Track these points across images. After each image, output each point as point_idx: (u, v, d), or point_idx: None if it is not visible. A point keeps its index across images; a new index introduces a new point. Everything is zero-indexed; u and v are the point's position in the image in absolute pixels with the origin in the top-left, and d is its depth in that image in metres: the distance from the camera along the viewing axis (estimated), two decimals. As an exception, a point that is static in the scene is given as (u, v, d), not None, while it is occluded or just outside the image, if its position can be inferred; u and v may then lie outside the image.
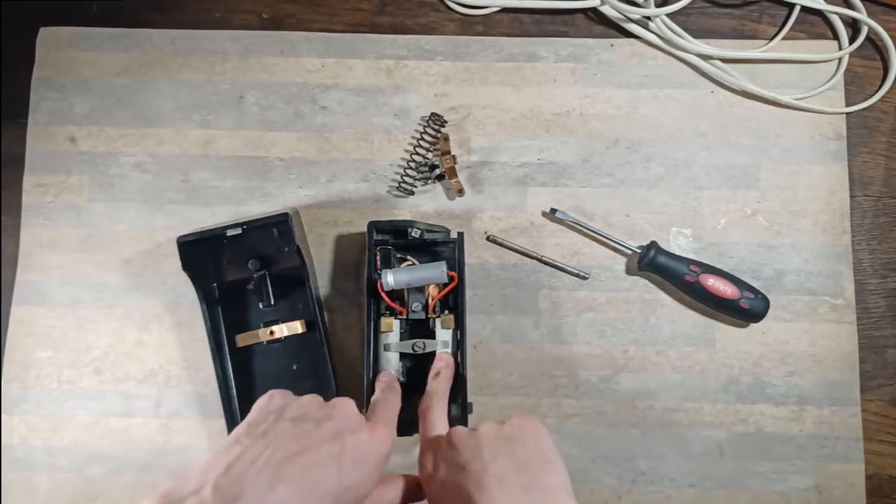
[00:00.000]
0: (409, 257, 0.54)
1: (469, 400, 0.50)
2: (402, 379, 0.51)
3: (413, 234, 0.52)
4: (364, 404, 0.49)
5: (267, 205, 0.58)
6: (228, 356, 0.54)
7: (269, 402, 0.39)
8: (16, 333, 0.57)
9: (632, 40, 0.60)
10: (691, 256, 0.57)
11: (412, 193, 0.58)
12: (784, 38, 0.60)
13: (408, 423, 0.51)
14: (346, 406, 0.40)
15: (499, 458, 0.37)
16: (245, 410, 0.53)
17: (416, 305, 0.52)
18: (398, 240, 0.53)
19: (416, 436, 0.51)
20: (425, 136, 0.58)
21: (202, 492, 0.31)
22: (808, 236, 0.58)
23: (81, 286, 0.57)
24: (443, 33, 0.61)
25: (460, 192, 0.57)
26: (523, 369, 0.56)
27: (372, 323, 0.51)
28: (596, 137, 0.59)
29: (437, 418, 0.44)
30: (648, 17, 0.59)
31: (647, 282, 0.57)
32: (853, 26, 0.61)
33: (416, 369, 0.52)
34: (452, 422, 0.50)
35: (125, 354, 0.56)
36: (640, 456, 0.55)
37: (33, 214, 0.58)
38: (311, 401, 0.40)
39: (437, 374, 0.48)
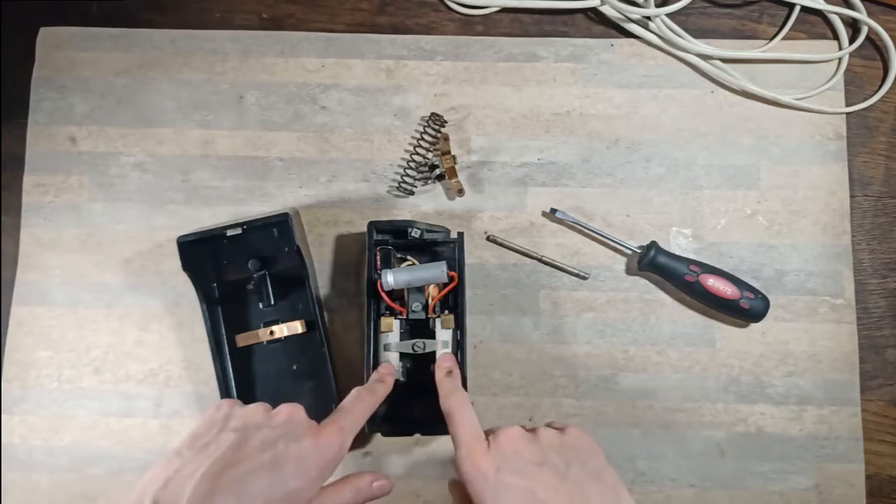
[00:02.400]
0: (409, 257, 0.54)
1: (469, 400, 0.50)
2: (402, 379, 0.51)
3: (413, 234, 0.52)
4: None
5: (267, 205, 0.58)
6: (228, 356, 0.54)
7: (214, 413, 0.40)
8: (16, 333, 0.57)
9: (632, 40, 0.60)
10: (691, 256, 0.57)
11: (412, 193, 0.58)
12: (784, 38, 0.60)
13: (410, 423, 0.51)
14: (291, 412, 0.40)
15: (573, 465, 0.37)
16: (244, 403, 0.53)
17: (416, 305, 0.52)
18: (398, 240, 0.53)
19: (416, 436, 0.52)
20: (425, 136, 0.58)
21: None
22: (808, 236, 0.58)
23: (81, 286, 0.57)
24: (443, 33, 0.61)
25: (460, 192, 0.57)
26: (523, 369, 0.56)
27: (372, 323, 0.51)
28: (596, 137, 0.59)
29: (470, 417, 0.42)
30: (648, 17, 0.59)
31: (647, 282, 0.57)
32: (853, 26, 0.61)
33: (417, 369, 0.52)
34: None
35: (125, 354, 0.56)
36: (640, 456, 0.55)
37: (33, 214, 0.58)
38: (256, 409, 0.40)
39: (450, 373, 0.47)
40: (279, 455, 0.36)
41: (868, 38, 0.60)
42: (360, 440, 0.55)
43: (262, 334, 0.54)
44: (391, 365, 0.50)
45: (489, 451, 0.39)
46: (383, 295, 0.50)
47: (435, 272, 0.50)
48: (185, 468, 0.35)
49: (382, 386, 0.47)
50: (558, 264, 0.57)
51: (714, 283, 0.54)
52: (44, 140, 0.59)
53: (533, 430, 0.41)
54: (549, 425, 0.44)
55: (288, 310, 0.55)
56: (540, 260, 0.57)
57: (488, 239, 0.58)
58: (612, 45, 0.60)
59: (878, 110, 0.60)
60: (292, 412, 0.40)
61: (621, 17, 0.60)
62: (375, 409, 0.45)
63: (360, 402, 0.44)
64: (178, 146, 0.59)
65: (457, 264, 0.52)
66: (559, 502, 0.35)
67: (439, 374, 0.47)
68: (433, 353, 0.50)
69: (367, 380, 0.49)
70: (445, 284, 0.51)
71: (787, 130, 0.59)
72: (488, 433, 0.42)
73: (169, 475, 0.34)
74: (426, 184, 0.58)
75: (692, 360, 0.56)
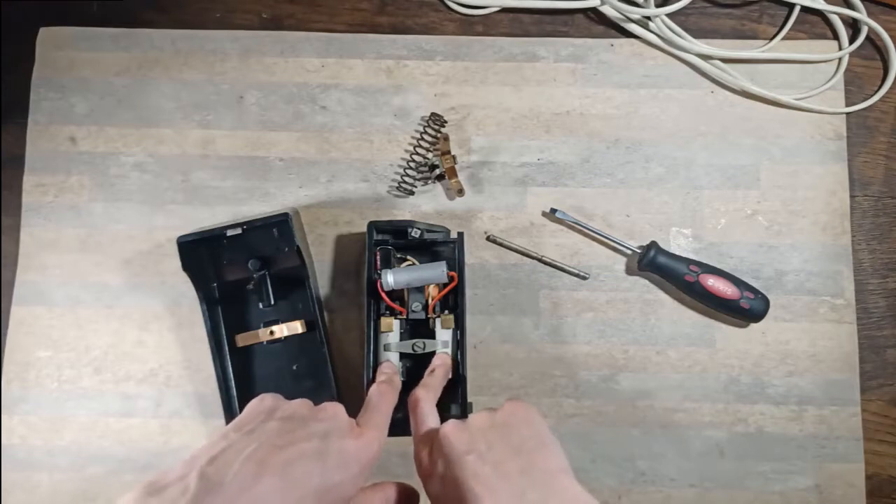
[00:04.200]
0: (409, 257, 0.54)
1: (469, 400, 0.50)
2: (402, 379, 0.51)
3: (413, 234, 0.52)
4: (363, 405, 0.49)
5: (267, 205, 0.58)
6: (228, 356, 0.54)
7: (259, 404, 0.40)
8: (16, 333, 0.57)
9: (632, 40, 0.60)
10: (691, 256, 0.57)
11: (412, 193, 0.58)
12: (784, 38, 0.60)
13: (408, 423, 0.51)
14: (335, 409, 0.40)
15: (495, 445, 0.37)
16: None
17: (416, 305, 0.52)
18: (398, 240, 0.53)
19: (416, 436, 0.52)
20: (425, 136, 0.58)
21: (186, 479, 0.32)
22: (808, 236, 0.58)
23: (81, 286, 0.57)
24: (443, 33, 0.61)
25: (460, 192, 0.57)
26: (523, 369, 0.56)
27: (372, 323, 0.51)
28: (596, 137, 0.59)
29: (427, 411, 0.43)
30: (648, 17, 0.59)
31: (647, 282, 0.57)
32: (853, 26, 0.61)
33: (417, 369, 0.52)
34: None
35: (125, 354, 0.56)
36: (640, 456, 0.55)
37: (33, 214, 0.58)
38: (301, 404, 0.40)
39: (433, 372, 0.48)
40: (325, 447, 0.36)
41: (868, 38, 0.60)
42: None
43: (262, 334, 0.54)
44: (391, 364, 0.50)
45: (424, 443, 0.40)
46: (383, 295, 0.50)
47: (435, 272, 0.50)
48: (231, 447, 0.34)
49: (397, 378, 0.48)
50: (558, 264, 0.57)
51: (714, 283, 0.54)
52: (44, 140, 0.59)
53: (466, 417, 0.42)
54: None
55: (288, 310, 0.55)
56: (540, 260, 0.57)
57: (488, 239, 0.58)
58: (612, 45, 0.60)
59: (878, 110, 0.60)
60: (336, 410, 0.40)
61: (621, 17, 0.60)
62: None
63: (385, 398, 0.44)
64: (178, 146, 0.59)
65: (457, 264, 0.52)
66: (480, 488, 0.34)
67: (426, 372, 0.48)
68: (433, 353, 0.50)
69: (367, 380, 0.50)
70: (445, 284, 0.51)
71: (787, 130, 0.59)
72: None
73: (215, 453, 0.34)
74: (426, 184, 0.58)
75: (692, 360, 0.56)
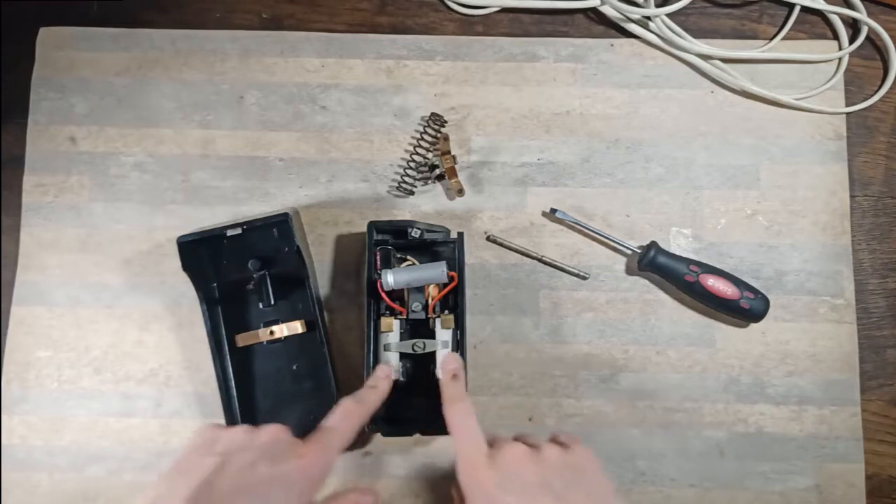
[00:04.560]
0: (409, 257, 0.54)
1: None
2: (402, 379, 0.51)
3: (413, 234, 0.52)
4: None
5: (267, 205, 0.58)
6: (228, 356, 0.54)
7: (196, 438, 0.40)
8: (16, 333, 0.57)
9: (632, 40, 0.60)
10: (691, 256, 0.57)
11: (412, 193, 0.58)
12: (784, 38, 0.60)
13: (410, 423, 0.51)
14: (273, 433, 0.40)
15: (570, 488, 0.38)
16: (245, 410, 0.53)
17: (416, 305, 0.52)
18: (398, 240, 0.53)
19: (416, 436, 0.52)
20: (425, 136, 0.58)
21: None
22: (808, 236, 0.58)
23: (81, 286, 0.57)
24: (443, 33, 0.61)
25: (460, 192, 0.57)
26: (523, 369, 0.56)
27: (372, 323, 0.51)
28: (596, 137, 0.59)
29: (473, 427, 0.42)
30: (648, 17, 0.59)
31: (647, 282, 0.57)
32: (853, 26, 0.61)
33: (417, 369, 0.52)
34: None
35: (125, 354, 0.56)
36: (640, 456, 0.55)
37: (33, 214, 0.58)
38: (238, 432, 0.40)
39: (455, 376, 0.46)
40: (261, 477, 0.36)
41: (868, 38, 0.60)
42: (360, 440, 0.55)
43: (262, 334, 0.54)
44: (388, 367, 0.49)
45: (491, 465, 0.39)
46: (383, 295, 0.50)
47: (435, 272, 0.50)
48: (165, 494, 0.35)
49: (375, 392, 0.46)
50: (558, 264, 0.57)
51: (714, 283, 0.54)
52: (44, 140, 0.59)
53: (537, 447, 0.41)
54: (553, 439, 0.43)
55: (288, 310, 0.55)
56: (540, 260, 0.57)
57: (488, 239, 0.58)
58: (612, 45, 0.60)
59: (878, 110, 0.60)
60: (275, 433, 0.40)
61: (621, 17, 0.60)
62: (372, 414, 0.45)
63: (348, 419, 0.43)
64: (178, 146, 0.59)
65: (457, 264, 0.52)
66: None
67: (445, 377, 0.46)
68: (433, 353, 0.50)
69: (367, 380, 0.50)
70: (445, 284, 0.51)
71: (787, 130, 0.59)
72: (491, 443, 0.41)
73: (149, 502, 0.35)
74: (426, 184, 0.58)
75: (692, 360, 0.56)
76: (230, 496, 0.35)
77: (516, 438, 0.43)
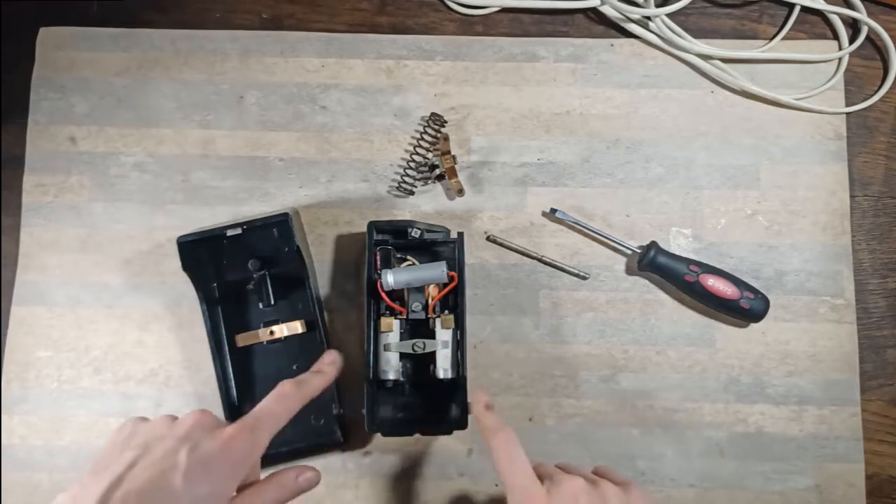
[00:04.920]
0: (409, 257, 0.54)
1: (469, 400, 0.50)
2: (401, 379, 0.51)
3: (413, 234, 0.52)
4: (363, 402, 0.49)
5: (267, 205, 0.58)
6: (228, 356, 0.54)
7: (116, 434, 0.40)
8: (16, 333, 0.57)
9: (632, 40, 0.60)
10: (691, 256, 0.57)
11: (412, 193, 0.58)
12: (784, 38, 0.60)
13: (410, 423, 0.51)
14: (196, 419, 0.39)
15: None
16: (245, 410, 0.53)
17: (416, 305, 0.52)
18: (398, 240, 0.53)
19: (416, 436, 0.52)
20: (425, 136, 0.58)
21: None
22: (808, 236, 0.58)
23: (81, 286, 0.57)
24: (443, 33, 0.61)
25: (460, 192, 0.57)
26: (523, 369, 0.56)
27: (372, 323, 0.51)
28: (596, 137, 0.59)
29: (522, 458, 0.41)
30: (648, 17, 0.59)
31: (647, 282, 0.57)
32: (853, 26, 0.61)
33: (416, 369, 0.52)
34: (451, 422, 0.51)
35: (125, 354, 0.56)
36: (640, 456, 0.55)
37: (33, 214, 0.58)
38: (158, 422, 0.40)
39: (488, 407, 0.45)
40: (178, 464, 0.36)
41: (868, 38, 0.60)
42: (360, 440, 0.55)
43: (262, 334, 0.54)
44: (334, 353, 0.49)
45: (549, 499, 0.39)
46: (383, 295, 0.50)
47: (435, 272, 0.50)
48: (81, 494, 0.34)
49: (319, 377, 0.46)
50: (558, 264, 0.57)
51: (714, 283, 0.54)
52: (44, 140, 0.59)
53: (595, 483, 0.41)
54: (600, 472, 0.43)
55: (288, 310, 0.55)
56: (540, 260, 0.57)
57: (488, 239, 0.58)
58: (612, 45, 0.60)
59: (878, 110, 0.60)
60: (197, 418, 0.39)
61: (621, 17, 0.60)
62: (312, 398, 0.44)
63: (282, 401, 0.42)
64: (178, 146, 0.59)
65: (457, 264, 0.52)
66: None
67: (477, 409, 0.45)
68: (433, 353, 0.50)
69: (367, 380, 0.50)
70: (445, 284, 0.51)
71: (787, 130, 0.59)
72: (540, 474, 0.41)
73: (68, 502, 0.34)
74: (426, 184, 0.58)
75: (692, 360, 0.56)
76: (142, 489, 0.34)
77: (559, 467, 0.43)
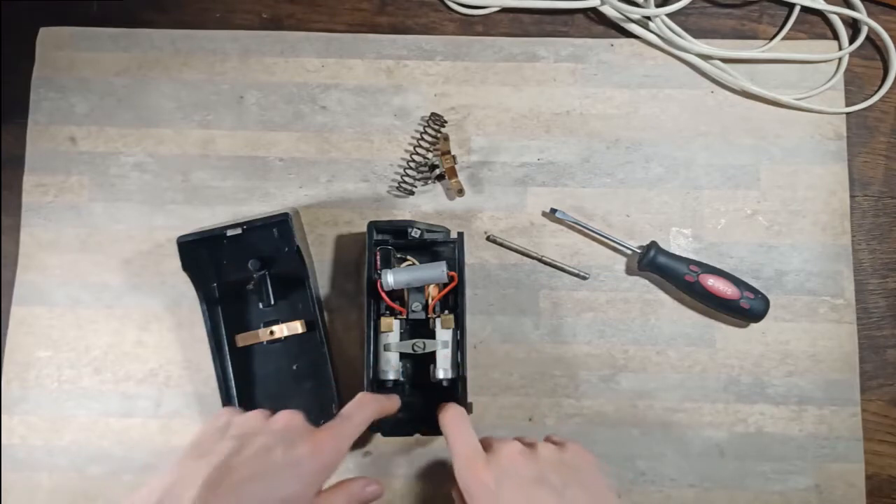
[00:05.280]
0: (409, 257, 0.54)
1: (469, 400, 0.50)
2: (401, 379, 0.51)
3: (413, 234, 0.52)
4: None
5: (267, 205, 0.58)
6: (228, 356, 0.54)
7: (213, 422, 0.41)
8: (16, 333, 0.57)
9: (632, 40, 0.60)
10: (691, 256, 0.57)
11: (412, 193, 0.58)
12: (784, 38, 0.60)
13: (410, 423, 0.51)
14: (289, 419, 0.40)
15: (569, 486, 0.38)
16: (245, 410, 0.53)
17: (416, 305, 0.52)
18: (398, 240, 0.53)
19: (416, 436, 0.52)
20: (425, 136, 0.58)
21: None
22: (808, 236, 0.58)
23: (81, 286, 0.57)
24: (443, 33, 0.61)
25: (460, 192, 0.57)
26: (523, 369, 0.56)
27: (372, 323, 0.51)
28: (596, 137, 0.59)
29: (466, 429, 0.43)
30: (648, 17, 0.59)
31: (647, 282, 0.57)
32: (853, 26, 0.61)
33: (416, 369, 0.52)
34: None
35: (125, 354, 0.56)
36: (640, 456, 0.55)
37: (33, 214, 0.58)
38: (254, 416, 0.41)
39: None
40: (275, 461, 0.37)
41: (868, 38, 0.60)
42: (360, 440, 0.55)
43: (262, 334, 0.54)
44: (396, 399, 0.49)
45: (489, 463, 0.40)
46: (383, 295, 0.50)
47: (435, 272, 0.50)
48: (183, 477, 0.35)
49: (389, 402, 0.48)
50: (558, 264, 0.57)
51: (714, 283, 0.54)
52: (44, 140, 0.59)
53: (532, 445, 0.42)
54: (548, 439, 0.44)
55: (288, 310, 0.55)
56: (540, 260, 0.57)
57: (488, 239, 0.58)
58: (612, 45, 0.60)
59: (878, 110, 0.60)
60: (290, 418, 0.41)
61: (621, 17, 0.60)
62: (385, 415, 0.46)
63: (363, 409, 0.44)
64: (178, 146, 0.59)
65: (457, 264, 0.52)
66: None
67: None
68: (433, 353, 0.50)
69: (367, 380, 0.50)
70: (445, 284, 0.51)
71: (787, 130, 0.59)
72: (485, 445, 0.42)
73: (167, 485, 0.35)
74: (426, 184, 0.58)
75: (692, 360, 0.56)
76: (247, 480, 0.35)
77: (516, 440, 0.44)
